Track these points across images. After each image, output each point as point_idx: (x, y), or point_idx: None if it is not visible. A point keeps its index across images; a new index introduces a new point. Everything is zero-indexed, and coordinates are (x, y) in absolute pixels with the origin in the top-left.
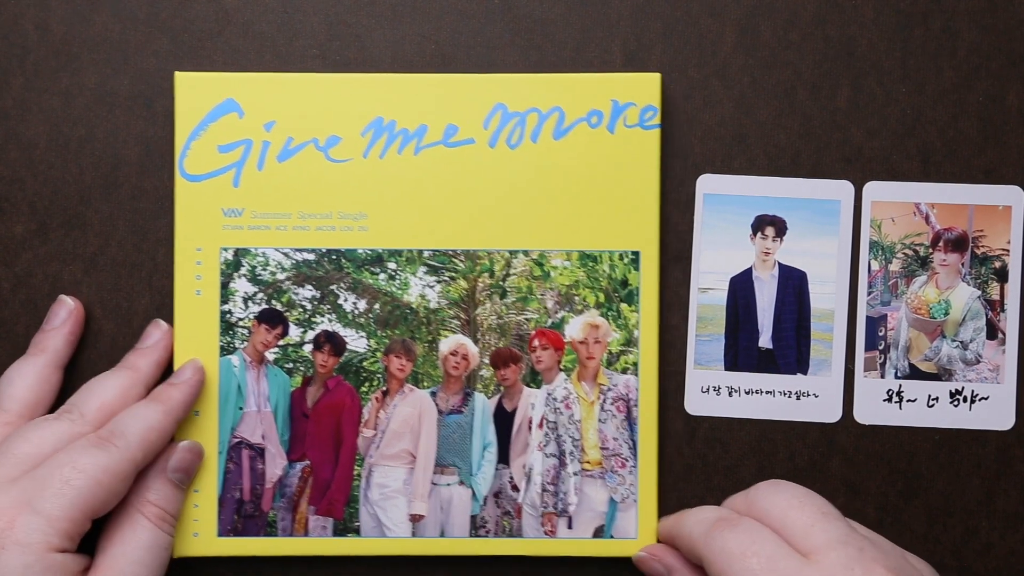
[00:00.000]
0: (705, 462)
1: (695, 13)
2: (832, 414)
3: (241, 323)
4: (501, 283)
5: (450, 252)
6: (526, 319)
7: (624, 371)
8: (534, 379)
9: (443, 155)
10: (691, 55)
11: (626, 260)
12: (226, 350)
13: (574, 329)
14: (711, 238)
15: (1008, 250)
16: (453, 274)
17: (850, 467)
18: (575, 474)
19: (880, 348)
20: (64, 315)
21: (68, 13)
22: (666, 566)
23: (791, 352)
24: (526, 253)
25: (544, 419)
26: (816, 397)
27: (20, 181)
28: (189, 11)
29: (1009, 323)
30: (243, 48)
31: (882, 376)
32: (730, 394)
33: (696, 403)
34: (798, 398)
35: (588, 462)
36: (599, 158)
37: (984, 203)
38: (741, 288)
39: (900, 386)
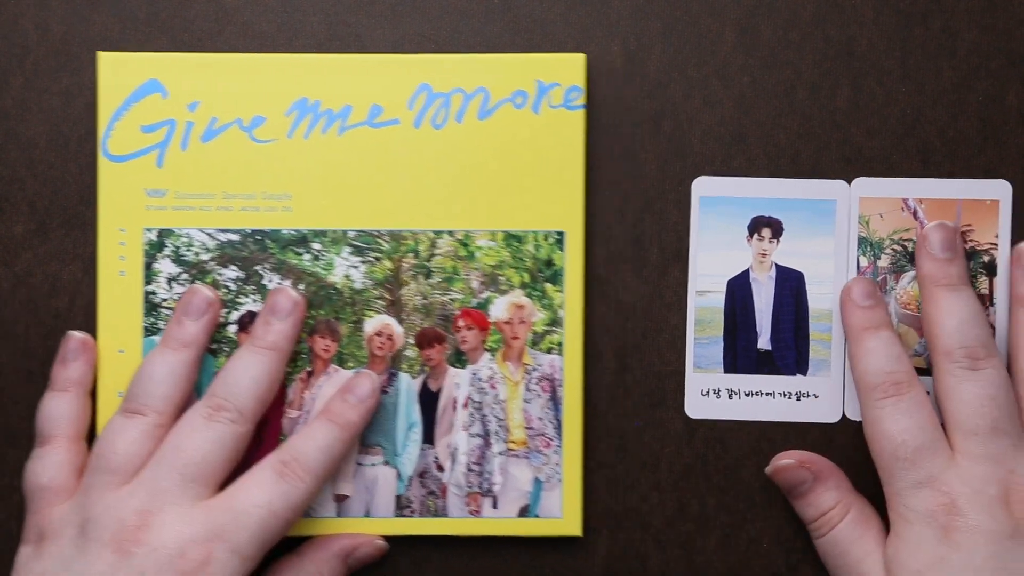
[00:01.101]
0: (705, 462)
1: (695, 13)
2: (833, 414)
3: (165, 304)
4: (426, 263)
5: (375, 232)
6: (451, 299)
7: (549, 351)
8: (459, 359)
9: (368, 135)
10: (691, 55)
11: (551, 240)
12: (150, 331)
13: (499, 309)
14: (707, 240)
15: (996, 244)
16: (378, 254)
17: (850, 467)
18: (500, 454)
19: None
20: (203, 305)
21: (68, 13)
22: (814, 472)
23: (790, 353)
24: (451, 233)
25: (469, 399)
26: (816, 397)
27: (20, 181)
28: (189, 11)
29: (998, 317)
30: (243, 48)
31: None
32: (730, 396)
33: (696, 406)
34: (798, 399)
35: (513, 442)
36: (524, 139)
37: (972, 197)
38: (739, 290)
39: None
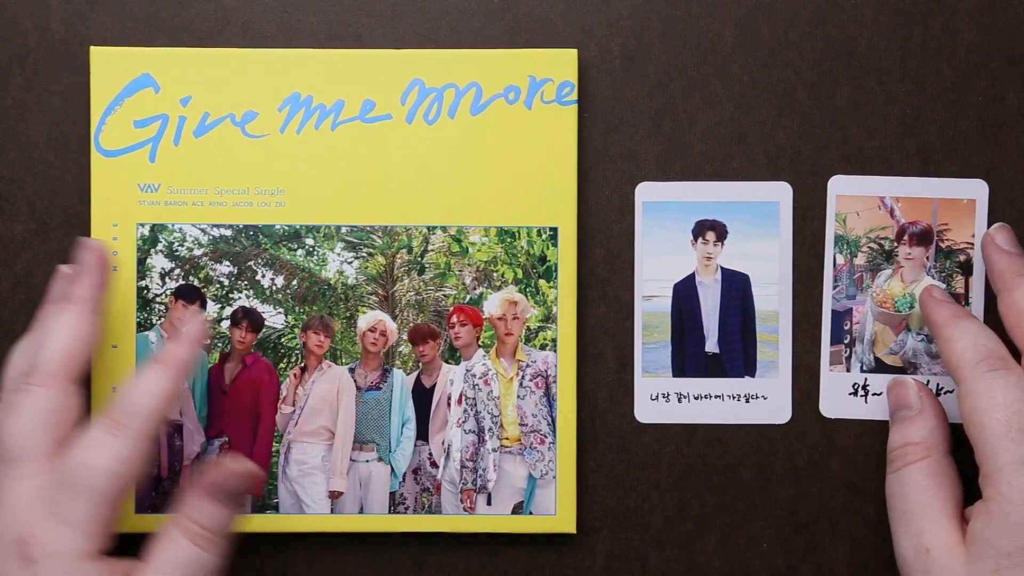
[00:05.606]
0: (705, 462)
1: (695, 13)
2: (782, 415)
3: (158, 299)
4: (419, 259)
5: (368, 228)
6: (444, 295)
7: (543, 347)
8: (453, 355)
9: (360, 130)
10: (691, 55)
11: (544, 236)
12: (143, 326)
13: (492, 305)
14: (652, 246)
15: (972, 243)
16: (371, 250)
17: (850, 467)
18: (494, 450)
19: (846, 342)
20: (93, 260)
21: (68, 13)
22: (923, 403)
23: (738, 356)
24: (444, 229)
25: (463, 395)
26: (765, 399)
27: (20, 181)
28: (189, 11)
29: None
30: (243, 48)
31: (847, 370)
32: (679, 400)
33: (645, 411)
34: (747, 401)
35: (507, 438)
36: (517, 134)
37: (948, 196)
38: (685, 294)
39: (866, 380)
